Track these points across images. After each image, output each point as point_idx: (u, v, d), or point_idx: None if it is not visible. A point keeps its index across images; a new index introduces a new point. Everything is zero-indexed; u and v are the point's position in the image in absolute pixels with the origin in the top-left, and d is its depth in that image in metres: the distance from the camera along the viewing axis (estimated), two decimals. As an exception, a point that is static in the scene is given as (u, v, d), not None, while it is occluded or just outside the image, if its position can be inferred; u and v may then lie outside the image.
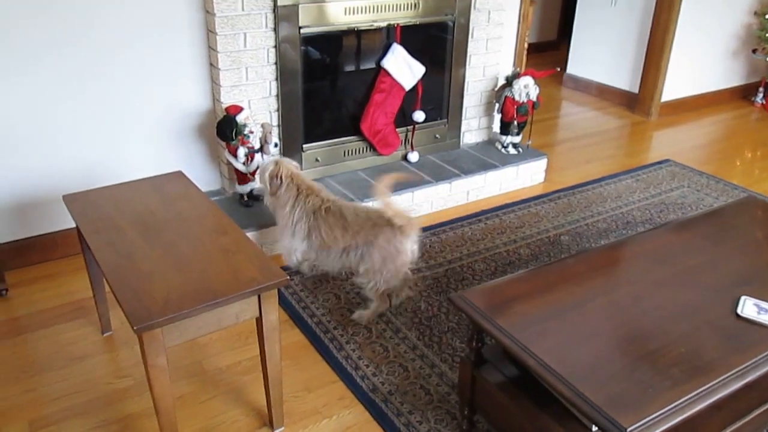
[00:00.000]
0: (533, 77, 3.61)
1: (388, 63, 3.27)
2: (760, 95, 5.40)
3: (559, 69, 5.37)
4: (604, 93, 5.35)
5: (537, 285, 1.92)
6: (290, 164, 2.67)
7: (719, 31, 5.14)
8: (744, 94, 5.55)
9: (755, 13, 5.23)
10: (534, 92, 3.61)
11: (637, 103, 5.05)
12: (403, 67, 3.29)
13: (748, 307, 1.79)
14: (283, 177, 2.61)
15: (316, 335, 2.49)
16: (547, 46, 6.77)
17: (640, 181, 3.87)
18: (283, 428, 2.09)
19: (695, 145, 4.55)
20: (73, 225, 2.63)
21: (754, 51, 5.33)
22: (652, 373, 1.56)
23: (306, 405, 2.19)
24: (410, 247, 2.49)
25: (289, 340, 2.47)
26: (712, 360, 1.61)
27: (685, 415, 1.47)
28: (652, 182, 3.85)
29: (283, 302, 2.65)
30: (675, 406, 1.47)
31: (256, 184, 3.05)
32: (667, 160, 4.18)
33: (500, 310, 1.78)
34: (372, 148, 3.44)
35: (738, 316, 1.77)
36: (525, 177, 3.72)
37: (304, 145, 3.25)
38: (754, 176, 4.05)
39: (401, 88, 3.33)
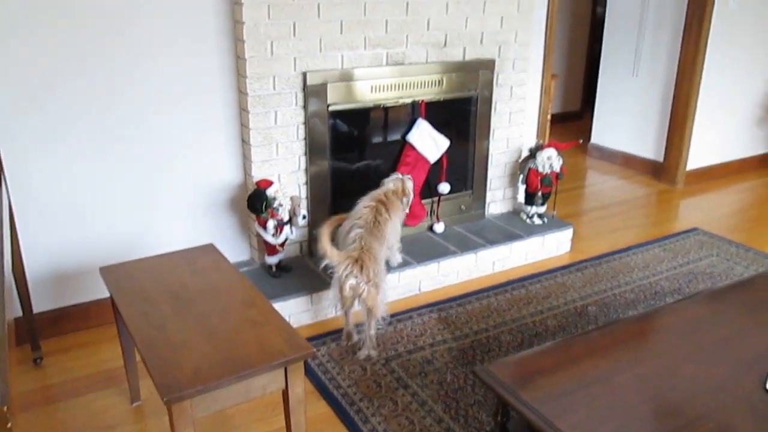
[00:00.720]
0: (556, 149, 3.68)
1: (413, 137, 3.38)
2: (788, 163, 5.40)
3: (581, 141, 5.46)
4: (629, 162, 5.39)
5: (562, 358, 1.92)
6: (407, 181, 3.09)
7: (742, 100, 5.20)
8: (772, 161, 5.55)
9: (778, 83, 5.29)
10: (557, 163, 3.66)
11: (663, 171, 5.08)
12: (428, 141, 3.39)
13: (778, 382, 1.77)
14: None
15: (341, 407, 2.49)
16: (571, 117, 6.88)
17: (668, 250, 3.85)
18: (308, 503, 2.07)
19: (723, 213, 4.53)
20: (107, 295, 2.71)
21: (778, 119, 5.36)
22: (681, 450, 1.54)
23: (331, 479, 2.17)
24: (347, 283, 2.64)
25: (314, 411, 2.48)
26: (743, 437, 1.59)
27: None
28: (680, 251, 3.83)
29: (309, 373, 2.67)
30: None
31: (284, 256, 3.12)
32: (694, 229, 4.17)
33: (525, 384, 1.78)
34: (398, 219, 3.51)
35: (767, 391, 1.75)
36: (551, 247, 3.74)
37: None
38: (785, 245, 4.01)
39: (426, 161, 3.42)
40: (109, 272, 2.31)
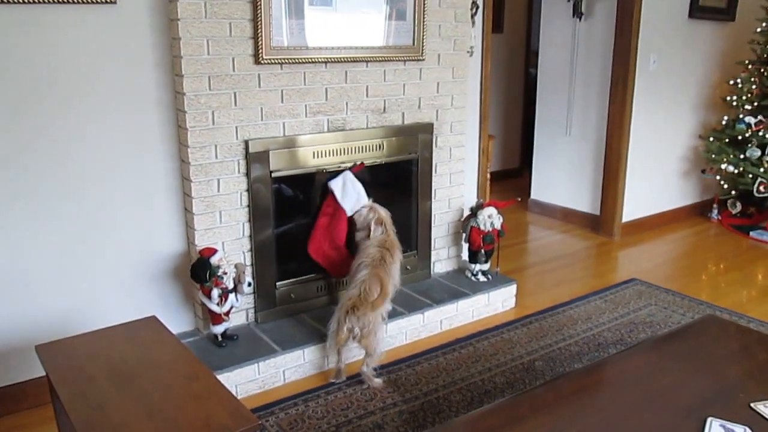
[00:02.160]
0: (496, 207, 3.78)
1: (334, 184, 3.32)
2: (715, 211, 5.67)
3: (519, 199, 5.62)
4: (568, 216, 5.57)
5: (509, 417, 1.93)
6: (381, 209, 3.31)
7: (669, 154, 5.48)
8: (700, 210, 5.82)
9: (700, 137, 5.61)
10: (498, 221, 3.76)
11: (600, 224, 5.26)
12: (350, 191, 3.35)
13: (714, 429, 1.82)
14: (385, 224, 3.28)
15: (292, 479, 2.42)
16: (510, 174, 7.10)
17: (609, 301, 3.96)
18: None
19: (659, 262, 4.71)
20: (43, 373, 2.61)
21: (703, 171, 5.66)
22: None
23: None
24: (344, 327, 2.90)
25: (264, 486, 2.41)
26: (685, 487, 1.62)
27: None
28: (620, 302, 3.95)
29: (258, 445, 2.60)
30: None
31: (229, 324, 3.08)
32: (633, 279, 4.31)
33: (473, 446, 1.78)
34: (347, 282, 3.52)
35: (706, 438, 1.80)
36: (496, 303, 3.80)
37: (278, 283, 3.32)
38: (719, 290, 4.18)
39: (344, 212, 3.37)
40: (45, 350, 2.23)
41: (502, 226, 3.80)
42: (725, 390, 2.06)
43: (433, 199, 3.79)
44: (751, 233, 5.25)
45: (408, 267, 3.77)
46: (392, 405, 2.87)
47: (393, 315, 3.39)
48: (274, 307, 3.32)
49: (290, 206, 3.37)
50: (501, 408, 2.00)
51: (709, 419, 1.87)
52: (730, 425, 1.84)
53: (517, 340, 3.47)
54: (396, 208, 3.61)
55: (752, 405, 1.96)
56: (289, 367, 3.07)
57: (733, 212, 5.60)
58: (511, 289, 3.86)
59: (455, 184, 3.88)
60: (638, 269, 4.54)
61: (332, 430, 2.70)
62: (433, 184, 3.76)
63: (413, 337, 3.47)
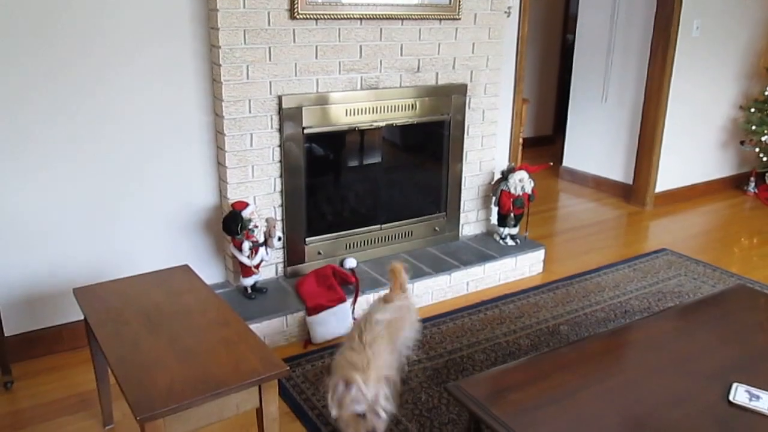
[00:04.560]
0: (528, 171, 3.76)
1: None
2: (752, 185, 5.55)
3: (552, 163, 5.56)
4: (600, 185, 5.50)
5: (532, 374, 1.96)
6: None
7: (707, 125, 5.35)
8: (736, 183, 5.70)
9: (740, 107, 5.46)
10: (529, 186, 3.74)
11: (632, 194, 5.19)
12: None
13: (740, 394, 1.82)
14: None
15: (316, 427, 2.49)
16: (544, 141, 7.01)
17: (638, 270, 3.94)
18: None
19: (691, 234, 4.64)
20: (80, 318, 2.70)
21: (742, 143, 5.52)
22: (646, 460, 1.58)
23: (305, 499, 2.17)
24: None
25: (289, 432, 2.48)
26: (706, 447, 1.64)
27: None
28: (650, 271, 3.92)
29: (285, 394, 2.67)
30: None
31: (259, 277, 3.13)
32: (663, 250, 4.26)
33: (496, 399, 1.81)
34: (375, 241, 3.56)
35: (730, 402, 1.80)
36: (523, 268, 3.80)
37: (307, 239, 3.36)
38: (751, 264, 4.12)
39: None
40: (82, 293, 2.30)
41: (532, 190, 3.78)
42: (752, 357, 2.05)
43: (464, 162, 3.77)
44: (789, 208, 5.14)
45: (436, 228, 3.78)
46: (417, 362, 2.91)
47: (420, 275, 3.43)
48: (303, 263, 3.36)
49: (322, 163, 3.39)
50: (525, 365, 2.02)
51: (734, 384, 1.87)
52: (755, 391, 1.84)
53: (543, 304, 3.47)
54: (426, 170, 3.62)
55: (779, 372, 1.95)
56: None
57: (771, 186, 5.47)
58: (539, 254, 3.86)
59: (487, 147, 3.85)
60: (669, 240, 4.48)
61: (357, 383, 2.75)
62: (464, 146, 3.74)
63: (439, 298, 3.50)
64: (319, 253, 3.42)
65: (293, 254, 3.33)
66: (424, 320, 3.26)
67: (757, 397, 1.81)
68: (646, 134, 5.02)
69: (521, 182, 3.71)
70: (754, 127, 5.25)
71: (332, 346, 3.01)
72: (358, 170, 3.58)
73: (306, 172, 3.25)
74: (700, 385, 1.89)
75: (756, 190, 5.55)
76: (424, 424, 2.50)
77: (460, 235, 3.91)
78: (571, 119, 5.71)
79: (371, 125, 3.37)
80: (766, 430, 1.71)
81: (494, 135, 3.87)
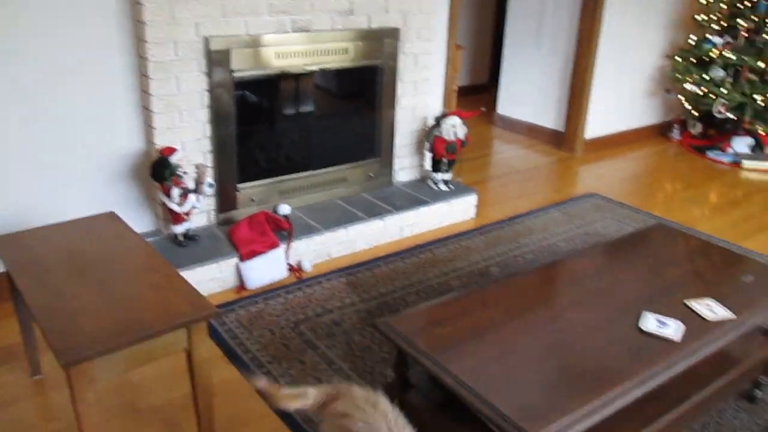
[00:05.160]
0: (460, 117, 3.79)
1: None
2: (676, 132, 5.77)
3: (484, 109, 5.62)
4: (532, 132, 5.61)
5: (458, 309, 2.02)
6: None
7: (636, 73, 5.50)
8: (662, 130, 5.90)
9: (667, 56, 5.62)
10: (462, 131, 3.78)
11: (564, 140, 5.32)
12: None
13: (649, 322, 1.94)
14: None
15: (250, 370, 2.52)
16: (480, 89, 7.06)
17: (566, 213, 4.07)
18: (216, 462, 2.10)
19: (618, 179, 4.81)
20: (1, 270, 2.61)
21: (667, 91, 5.70)
22: (562, 385, 1.67)
23: (239, 438, 2.21)
24: None
25: (223, 376, 2.50)
26: (617, 371, 1.74)
27: (590, 423, 1.58)
28: (577, 215, 4.06)
29: (218, 338, 2.68)
30: (581, 415, 1.58)
31: (190, 224, 3.09)
32: (592, 194, 4.41)
33: (422, 334, 1.87)
34: (309, 187, 3.55)
35: (640, 330, 1.91)
36: (456, 212, 3.87)
37: (239, 186, 3.32)
38: (673, 206, 4.31)
39: None
40: (3, 242, 2.23)
41: (465, 136, 3.82)
42: (664, 289, 2.17)
43: (397, 108, 3.77)
44: (708, 153, 5.37)
45: (370, 174, 3.80)
46: (350, 304, 2.96)
47: (354, 220, 3.45)
48: (236, 210, 3.33)
49: (254, 108, 3.33)
50: (451, 302, 2.08)
51: (644, 312, 1.98)
52: (663, 318, 1.96)
53: (475, 247, 3.56)
54: (360, 116, 3.60)
55: (685, 302, 2.07)
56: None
57: (694, 133, 5.70)
58: (472, 199, 3.93)
59: (420, 93, 3.86)
60: (597, 185, 4.64)
61: (291, 327, 2.78)
62: (397, 91, 3.74)
63: (373, 243, 3.54)
64: (253, 200, 3.39)
65: (225, 201, 3.29)
66: (358, 265, 3.31)
67: (665, 324, 1.93)
68: (576, 81, 5.12)
69: (454, 128, 3.74)
70: (678, 75, 5.42)
71: (266, 292, 3.03)
72: (291, 116, 3.54)
73: (237, 117, 3.19)
74: (614, 315, 2.00)
75: (680, 137, 5.76)
76: (356, 363, 2.56)
77: (394, 180, 3.93)
78: (504, 66, 5.76)
79: (303, 69, 3.32)
80: (671, 353, 1.82)
81: (427, 81, 3.88)
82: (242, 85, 3.18)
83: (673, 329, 1.91)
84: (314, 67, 3.35)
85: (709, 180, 4.87)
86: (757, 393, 2.45)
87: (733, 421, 2.36)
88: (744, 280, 2.28)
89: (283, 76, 3.31)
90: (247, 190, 3.36)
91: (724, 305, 2.08)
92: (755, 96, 5.04)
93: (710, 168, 5.14)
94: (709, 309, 2.04)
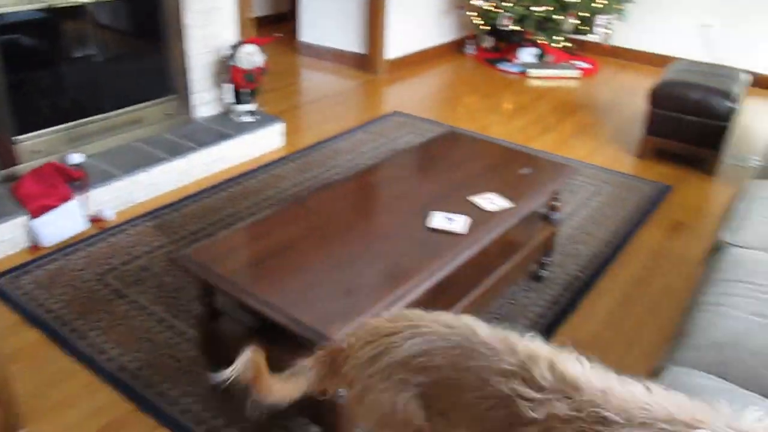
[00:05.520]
0: (257, 44, 3.70)
1: None
2: (471, 47, 6.08)
3: (282, 35, 5.52)
4: (338, 57, 5.62)
5: (256, 233, 2.03)
6: None
7: (429, -8, 5.67)
8: (458, 47, 6.19)
9: (455, -26, 5.84)
10: (259, 59, 3.70)
11: (367, 63, 5.40)
12: None
13: (436, 220, 2.08)
14: None
15: (54, 330, 2.37)
16: (282, 18, 6.90)
17: (371, 133, 4.18)
18: (25, 429, 1.98)
19: (419, 96, 5.01)
20: None
21: (460, 7, 5.95)
22: (358, 289, 1.76)
23: (49, 401, 2.10)
24: None
25: (24, 341, 2.33)
26: (408, 268, 1.86)
27: (385, 318, 1.69)
28: (382, 133, 4.19)
29: (14, 303, 2.49)
30: (376, 311, 1.67)
31: (-37, 185, 2.78)
32: (394, 112, 4.56)
33: (221, 261, 1.86)
34: (102, 132, 3.31)
35: (430, 228, 2.05)
36: (264, 142, 3.83)
37: (19, 138, 3.02)
38: (470, 116, 4.59)
39: None
40: None
41: (264, 64, 3.75)
42: (451, 189, 2.33)
43: (187, 39, 3.59)
44: (499, 65, 5.74)
45: (169, 112, 3.62)
46: (159, 247, 2.86)
47: (154, 161, 3.30)
48: (18, 164, 3.04)
49: (26, 52, 3.01)
50: (249, 227, 2.08)
51: (431, 212, 2.12)
52: (450, 215, 2.11)
53: (285, 174, 3.57)
54: (148, 51, 3.39)
55: (468, 198, 2.24)
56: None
57: (486, 47, 6.04)
58: (279, 128, 3.90)
59: (212, 23, 3.69)
60: (400, 103, 4.80)
61: (96, 279, 2.65)
62: (186, 22, 3.55)
63: (179, 183, 3.42)
64: (38, 152, 3.11)
65: (2, 157, 2.99)
66: (164, 207, 3.19)
67: (452, 220, 2.08)
68: (373, 4, 5.18)
69: (251, 56, 3.65)
70: (467, -8, 5.68)
71: (66, 247, 2.84)
72: (73, 58, 3.24)
73: (4, 63, 2.86)
74: (405, 219, 2.12)
75: (474, 52, 6.09)
76: (170, 305, 2.51)
77: (195, 116, 3.79)
78: (303, -9, 5.67)
79: (68, 2, 3.03)
80: (458, 244, 1.98)
81: (219, 9, 3.71)
82: (8, 28, 2.84)
83: (459, 224, 2.07)
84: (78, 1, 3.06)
85: (500, 90, 5.22)
86: (542, 273, 2.76)
87: (524, 300, 2.64)
88: (522, 173, 2.50)
89: (57, 15, 3.01)
90: (29, 141, 3.07)
91: (505, 197, 2.28)
92: (534, 8, 5.42)
93: (502, 79, 5.51)
94: (490, 201, 2.23)
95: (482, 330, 1.29)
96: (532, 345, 1.24)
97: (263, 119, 3.88)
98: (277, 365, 1.47)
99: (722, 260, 2.05)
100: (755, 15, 5.43)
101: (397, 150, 3.92)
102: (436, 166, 2.54)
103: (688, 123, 3.83)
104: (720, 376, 1.61)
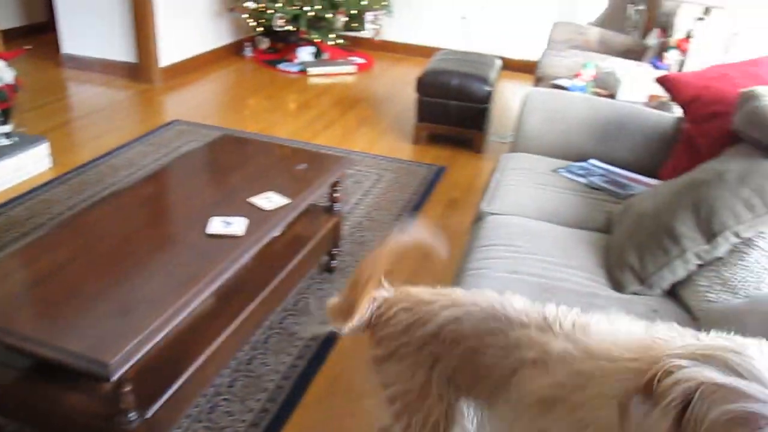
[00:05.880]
0: (4, 59, 3.38)
1: None
2: (249, 49, 6.06)
3: (30, 47, 5.06)
4: (107, 68, 5.29)
5: (17, 263, 1.88)
6: None
7: (198, -5, 5.55)
8: (236, 50, 6.14)
9: (223, -24, 5.77)
10: (9, 75, 3.38)
11: (139, 72, 5.16)
12: None
13: (215, 225, 2.07)
14: None
15: None
16: (39, 29, 6.34)
17: (151, 144, 4.02)
18: None
19: (199, 102, 4.90)
20: None
21: (231, 9, 5.90)
22: (134, 305, 1.69)
23: None
24: None
25: None
26: (187, 278, 1.82)
27: (167, 331, 1.65)
28: (162, 143, 4.04)
29: None
30: (154, 327, 1.62)
31: None
32: (174, 121, 4.42)
33: (-20, 300, 1.69)
34: None
35: (208, 234, 2.03)
36: (27, 166, 3.51)
37: None
38: (253, 118, 4.59)
39: None
40: None
41: (15, 80, 3.43)
42: (229, 193, 2.32)
43: None
44: (279, 66, 5.79)
45: None
46: None
47: None
48: None
49: None
50: (8, 257, 1.92)
51: (210, 218, 2.10)
52: (228, 219, 2.11)
53: (56, 198, 3.31)
54: None
55: (248, 199, 2.26)
56: None
57: (264, 48, 6.06)
58: (43, 149, 3.60)
59: (-56, 38, 3.31)
60: (180, 111, 4.66)
61: None
62: None
63: (-73, 221, 3.03)
64: None
65: None
66: None
67: (230, 224, 2.08)
68: (138, 8, 4.95)
69: (-2, 73, 3.33)
70: (238, -6, 5.64)
71: None
72: None
73: None
74: (183, 228, 2.08)
75: (253, 54, 6.07)
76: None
77: (-61, 145, 3.37)
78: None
79: None
80: (236, 247, 1.99)
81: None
82: None
83: (237, 226, 2.08)
84: None
85: (282, 90, 5.28)
86: (333, 263, 2.86)
87: (318, 292, 2.72)
88: (298, 168, 2.57)
89: None
90: None
91: (282, 194, 2.32)
92: (305, 8, 5.54)
93: (283, 79, 5.57)
94: (268, 200, 2.26)
95: (515, 301, 1.37)
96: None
97: (23, 141, 3.55)
98: (59, 405, 1.37)
99: (482, 228, 2.27)
100: (503, 6, 6.05)
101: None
102: (215, 171, 2.52)
103: (452, 107, 4.17)
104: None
